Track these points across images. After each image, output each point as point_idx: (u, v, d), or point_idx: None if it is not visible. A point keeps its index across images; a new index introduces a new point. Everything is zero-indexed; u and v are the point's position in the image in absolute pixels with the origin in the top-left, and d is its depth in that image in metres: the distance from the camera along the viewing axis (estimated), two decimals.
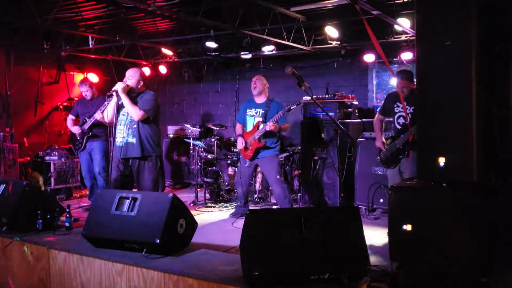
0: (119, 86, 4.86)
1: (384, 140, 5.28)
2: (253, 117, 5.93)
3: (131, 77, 4.99)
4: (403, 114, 5.01)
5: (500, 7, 3.52)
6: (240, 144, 5.85)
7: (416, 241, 3.35)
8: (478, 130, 3.26)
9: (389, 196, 3.62)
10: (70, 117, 6.75)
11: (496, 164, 3.55)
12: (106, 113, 5.12)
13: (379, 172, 6.02)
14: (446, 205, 3.32)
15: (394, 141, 5.06)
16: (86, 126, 6.42)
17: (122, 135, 4.93)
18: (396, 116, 5.13)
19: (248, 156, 5.86)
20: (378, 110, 5.60)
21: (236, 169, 7.16)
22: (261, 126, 5.76)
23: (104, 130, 6.48)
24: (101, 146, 6.52)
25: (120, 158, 4.93)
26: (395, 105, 5.13)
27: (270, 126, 5.59)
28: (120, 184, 4.87)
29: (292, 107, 5.67)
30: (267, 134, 5.75)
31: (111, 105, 4.98)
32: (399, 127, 5.07)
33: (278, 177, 5.79)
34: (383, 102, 5.53)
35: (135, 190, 5.13)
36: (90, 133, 6.45)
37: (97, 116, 6.18)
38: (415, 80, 4.94)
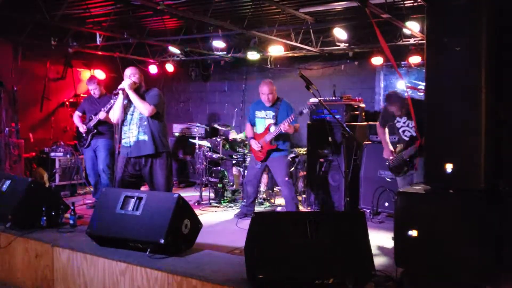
0: (126, 83, 4.73)
1: (392, 149, 5.23)
2: (263, 119, 5.89)
3: (133, 74, 4.84)
4: (406, 128, 5.00)
5: (510, 13, 3.49)
6: (255, 145, 5.82)
7: (422, 247, 3.33)
8: (486, 137, 3.25)
9: (395, 202, 3.60)
10: (77, 114, 6.78)
11: (504, 171, 3.53)
12: (113, 113, 4.99)
13: (385, 176, 5.98)
14: (453, 211, 3.30)
15: (402, 151, 5.04)
16: (92, 124, 6.44)
17: (133, 134, 4.80)
18: (401, 131, 5.11)
19: (260, 158, 5.84)
20: (378, 122, 5.47)
21: (241, 169, 7.16)
22: (272, 128, 5.74)
23: (110, 128, 6.48)
24: (106, 143, 6.53)
25: (131, 157, 4.79)
26: (396, 121, 5.11)
27: (284, 128, 5.54)
28: (126, 184, 4.76)
29: (304, 111, 5.60)
30: (278, 136, 5.73)
31: (118, 104, 4.82)
32: (406, 139, 5.04)
33: (286, 178, 5.78)
34: (381, 113, 5.49)
35: (144, 188, 5.09)
36: (95, 131, 6.47)
37: (101, 116, 6.18)
38: (406, 93, 4.95)
